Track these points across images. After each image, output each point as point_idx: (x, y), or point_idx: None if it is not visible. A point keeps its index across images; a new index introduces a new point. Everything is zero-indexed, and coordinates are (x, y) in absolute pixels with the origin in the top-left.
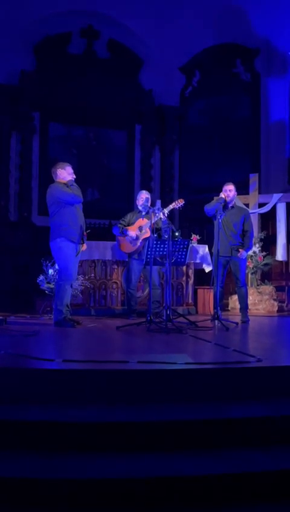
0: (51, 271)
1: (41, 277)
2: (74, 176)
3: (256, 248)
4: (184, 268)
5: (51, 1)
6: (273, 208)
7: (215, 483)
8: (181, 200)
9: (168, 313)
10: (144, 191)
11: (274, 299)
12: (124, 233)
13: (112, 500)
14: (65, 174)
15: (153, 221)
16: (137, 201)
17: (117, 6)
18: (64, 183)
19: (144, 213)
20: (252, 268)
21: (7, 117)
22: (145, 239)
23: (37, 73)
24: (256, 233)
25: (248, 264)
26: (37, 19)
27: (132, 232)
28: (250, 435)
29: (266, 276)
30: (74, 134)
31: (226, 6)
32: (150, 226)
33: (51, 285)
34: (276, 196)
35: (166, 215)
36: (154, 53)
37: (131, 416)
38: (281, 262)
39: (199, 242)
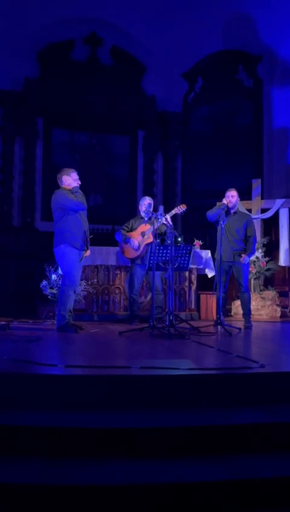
0: (53, 276)
1: (44, 282)
2: (79, 182)
3: (259, 253)
4: (187, 273)
5: (54, 8)
6: (276, 213)
7: (217, 489)
8: (183, 205)
9: (170, 318)
10: (147, 197)
11: (277, 305)
12: (126, 241)
13: (114, 506)
14: (70, 180)
15: (155, 227)
16: (140, 206)
17: (120, 14)
18: (69, 190)
19: (146, 218)
20: (255, 273)
21: (11, 123)
22: (148, 244)
23: (40, 80)
24: (259, 238)
25: (250, 269)
26: (40, 26)
27: (135, 241)
28: (252, 441)
29: (269, 282)
30: (77, 140)
31: (228, 13)
32: (152, 232)
33: (54, 291)
34: (279, 201)
35: (169, 220)
36: (157, 60)
37: (133, 422)
38: (284, 267)
39: (202, 247)
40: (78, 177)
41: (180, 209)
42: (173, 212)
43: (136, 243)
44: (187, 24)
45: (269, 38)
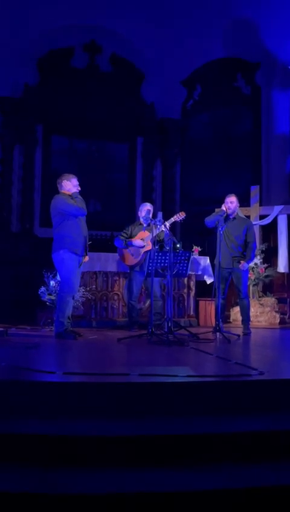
0: (52, 282)
1: (42, 288)
2: (79, 188)
3: (257, 260)
4: (186, 280)
5: (54, 16)
6: (275, 220)
7: (216, 498)
8: (182, 213)
9: (169, 325)
10: (146, 203)
11: (276, 311)
12: (128, 245)
13: None
14: (70, 185)
15: (154, 234)
16: (139, 212)
17: (119, 21)
18: (69, 195)
19: (145, 225)
20: (254, 280)
21: (11, 129)
22: (147, 252)
23: (40, 87)
24: (257, 245)
25: (249, 275)
26: (40, 34)
27: (138, 240)
28: (252, 449)
29: (267, 288)
30: (77, 146)
31: (227, 21)
32: (151, 239)
33: (52, 297)
34: (277, 208)
35: (168, 227)
36: (155, 67)
37: (132, 430)
38: (283, 274)
39: (201, 254)
40: (78, 183)
41: (179, 216)
42: (172, 219)
43: (140, 242)
44: (186, 32)
45: (267, 45)
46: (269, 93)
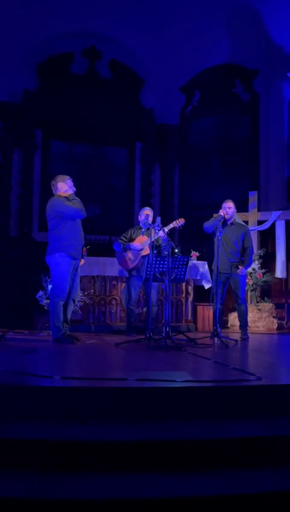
0: (50, 287)
1: (40, 293)
2: (74, 189)
3: (255, 265)
4: (184, 285)
5: (54, 22)
6: (273, 226)
7: (214, 504)
8: (182, 219)
9: (167, 329)
10: (146, 208)
11: (274, 317)
12: (126, 248)
13: None
14: (66, 187)
15: (153, 239)
16: (139, 217)
17: (119, 28)
18: (66, 197)
19: (144, 229)
20: (252, 285)
21: (10, 134)
22: (144, 256)
23: (39, 92)
24: (255, 250)
25: (247, 281)
26: (40, 39)
27: (136, 243)
28: (250, 455)
29: (265, 294)
30: (76, 151)
31: (226, 28)
32: (149, 244)
33: None
34: (275, 214)
35: (166, 233)
36: (155, 73)
37: (129, 435)
38: (281, 279)
39: (199, 258)
40: (73, 184)
41: (178, 222)
42: (171, 225)
43: (138, 245)
44: (185, 38)
45: (266, 52)
46: (267, 99)
